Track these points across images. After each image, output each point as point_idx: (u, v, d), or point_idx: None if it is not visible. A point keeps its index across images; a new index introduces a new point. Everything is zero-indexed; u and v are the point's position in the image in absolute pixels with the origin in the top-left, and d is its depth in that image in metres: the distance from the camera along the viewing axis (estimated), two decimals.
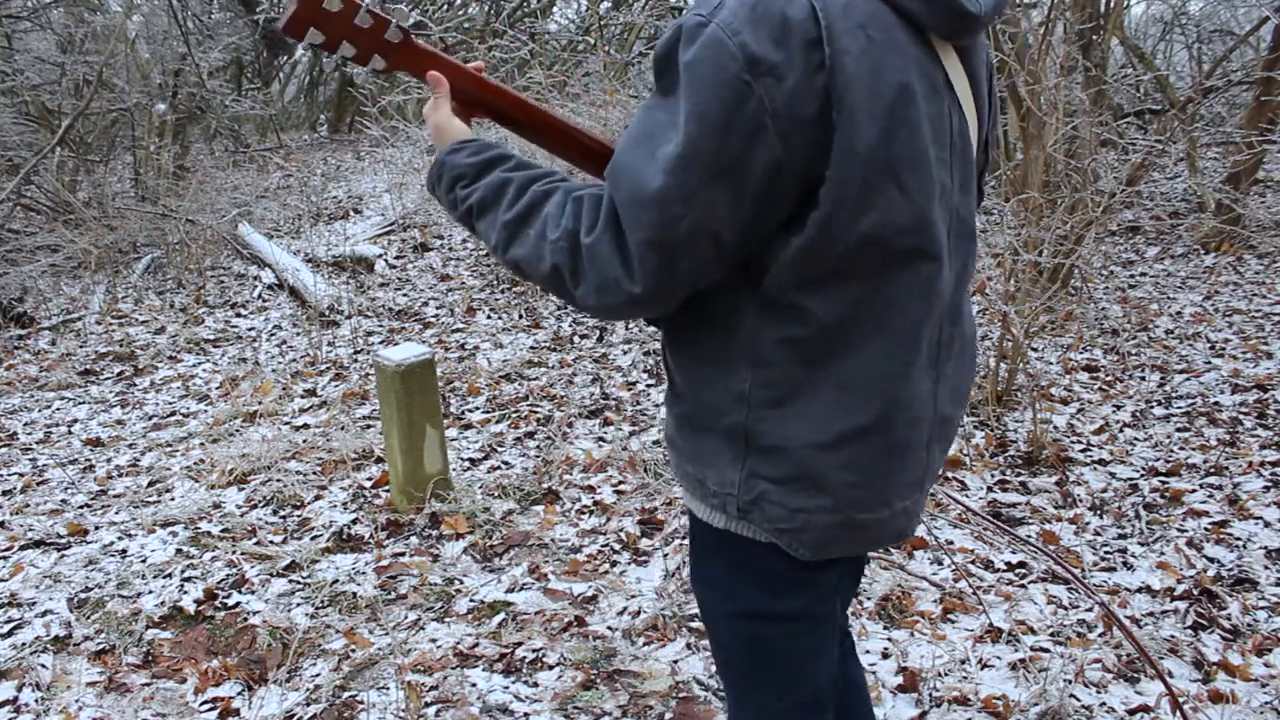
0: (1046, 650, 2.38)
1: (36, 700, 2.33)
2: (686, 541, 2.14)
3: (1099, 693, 2.22)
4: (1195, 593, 2.59)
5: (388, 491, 3.27)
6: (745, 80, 0.93)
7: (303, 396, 4.37)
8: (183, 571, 2.84)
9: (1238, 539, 2.87)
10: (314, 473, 3.51)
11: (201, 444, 3.87)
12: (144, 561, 2.92)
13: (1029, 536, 2.92)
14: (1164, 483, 3.24)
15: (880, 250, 1.02)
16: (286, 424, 4.03)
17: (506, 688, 2.31)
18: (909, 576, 2.71)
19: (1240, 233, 6.09)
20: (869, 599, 2.61)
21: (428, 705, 2.26)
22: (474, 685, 2.32)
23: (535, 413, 4.02)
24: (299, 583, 2.79)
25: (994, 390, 3.79)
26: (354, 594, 2.71)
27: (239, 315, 5.71)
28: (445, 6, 11.43)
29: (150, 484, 3.56)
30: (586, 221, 1.03)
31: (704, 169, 0.95)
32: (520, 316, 5.39)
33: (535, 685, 2.32)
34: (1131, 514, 3.05)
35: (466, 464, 3.59)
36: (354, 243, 6.58)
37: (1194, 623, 2.48)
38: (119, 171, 8.45)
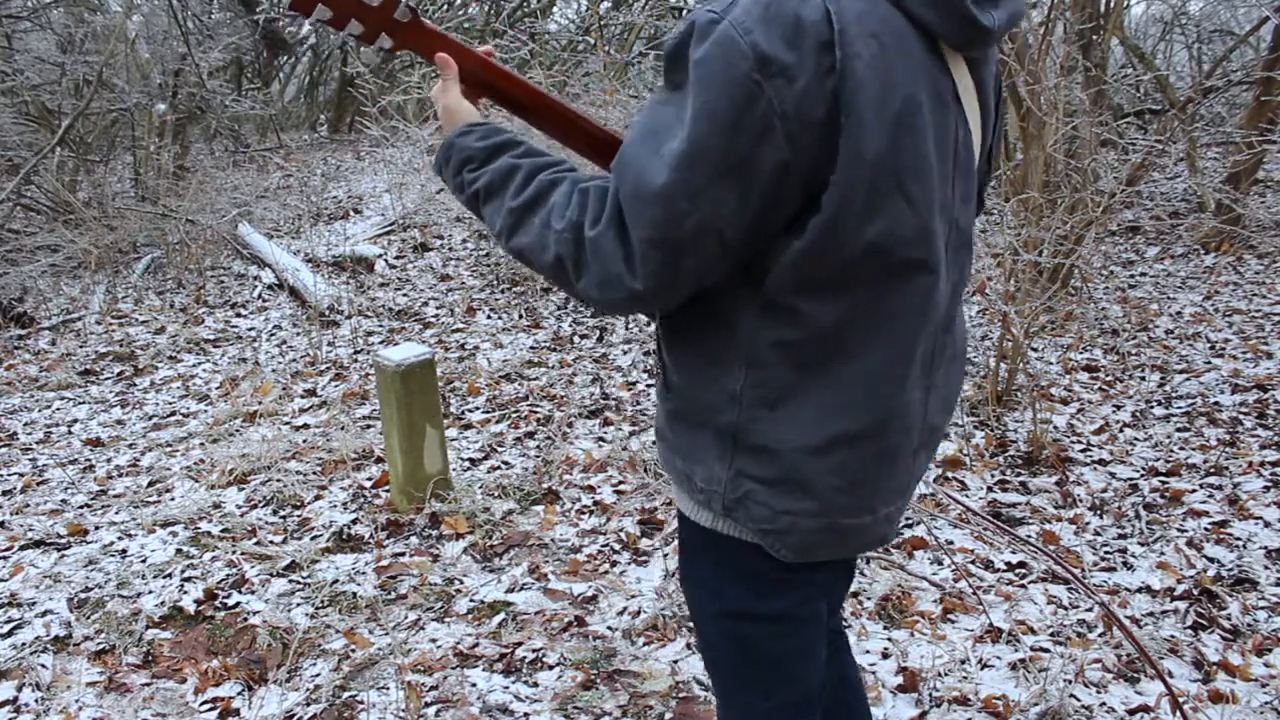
0: (1046, 650, 2.38)
1: (36, 700, 2.33)
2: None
3: (1099, 693, 2.22)
4: (1195, 593, 2.59)
5: (388, 491, 3.27)
6: (755, 80, 0.92)
7: (303, 396, 4.37)
8: (183, 571, 2.84)
9: (1238, 539, 2.87)
10: (314, 473, 3.51)
11: (201, 444, 3.87)
12: (144, 561, 2.92)
13: (1029, 536, 2.92)
14: (1164, 483, 3.24)
15: (883, 260, 1.02)
16: (286, 424, 4.03)
17: (506, 688, 2.31)
18: (909, 576, 2.71)
19: (1240, 233, 6.09)
20: (869, 599, 2.61)
21: (428, 705, 2.26)
22: (474, 685, 2.32)
23: (535, 413, 4.02)
24: (299, 583, 2.79)
25: (994, 390, 3.79)
26: (354, 594, 2.71)
27: (239, 315, 5.71)
28: (445, 6, 11.43)
29: (150, 484, 3.56)
30: (591, 214, 1.03)
31: (711, 167, 0.95)
32: (520, 316, 5.39)
33: (535, 685, 2.32)
34: (1131, 514, 3.05)
35: (466, 464, 3.59)
36: (354, 243, 6.58)
37: (1194, 623, 2.48)
38: (119, 171, 8.45)
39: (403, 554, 2.93)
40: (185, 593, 2.72)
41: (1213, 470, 3.31)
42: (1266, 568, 2.71)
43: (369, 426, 3.93)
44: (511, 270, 5.97)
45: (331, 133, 13.22)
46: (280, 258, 6.13)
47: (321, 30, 12.99)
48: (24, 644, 2.52)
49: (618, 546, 2.95)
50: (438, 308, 5.62)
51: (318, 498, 3.32)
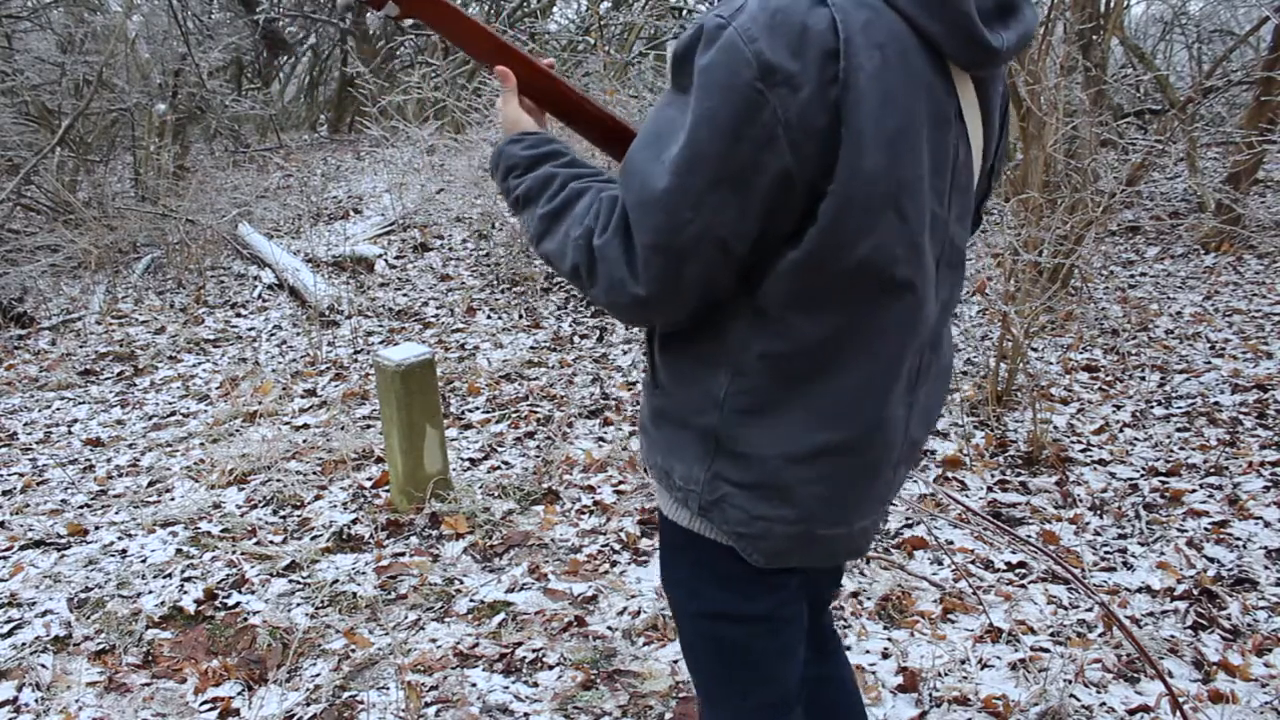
0: (1046, 650, 2.38)
1: (36, 700, 2.33)
2: None
3: (1099, 693, 2.22)
4: (1195, 593, 2.59)
5: (388, 491, 3.27)
6: (758, 88, 0.92)
7: (303, 396, 4.37)
8: (183, 571, 2.84)
9: (1238, 539, 2.87)
10: (314, 473, 3.51)
11: (201, 444, 3.87)
12: (144, 561, 2.92)
13: (1029, 536, 2.92)
14: (1164, 483, 3.24)
15: (875, 275, 1.02)
16: (286, 424, 4.03)
17: (506, 688, 2.31)
18: (909, 576, 2.71)
19: (1240, 233, 6.09)
20: (869, 599, 2.61)
21: (428, 705, 2.26)
22: (474, 685, 2.32)
23: (535, 413, 4.02)
24: (299, 583, 2.79)
25: (994, 390, 3.79)
26: (354, 594, 2.71)
27: (239, 315, 5.71)
28: None
29: (150, 484, 3.56)
30: (602, 221, 1.03)
31: (712, 174, 0.95)
32: (520, 316, 5.39)
33: (535, 685, 2.32)
34: (1131, 514, 3.05)
35: (466, 464, 3.59)
36: (354, 243, 6.58)
37: (1194, 623, 2.48)
38: (119, 171, 8.45)
39: (403, 554, 2.93)
40: (185, 593, 2.72)
41: (1213, 470, 3.31)
42: (1266, 568, 2.71)
43: (369, 426, 3.93)
44: (511, 270, 5.97)
45: (331, 133, 13.22)
46: (280, 258, 6.13)
47: (321, 30, 13.00)
48: (24, 644, 2.52)
49: (618, 546, 2.95)
50: (438, 308, 5.62)
51: (318, 498, 3.32)
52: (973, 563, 2.79)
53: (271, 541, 3.03)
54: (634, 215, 1.00)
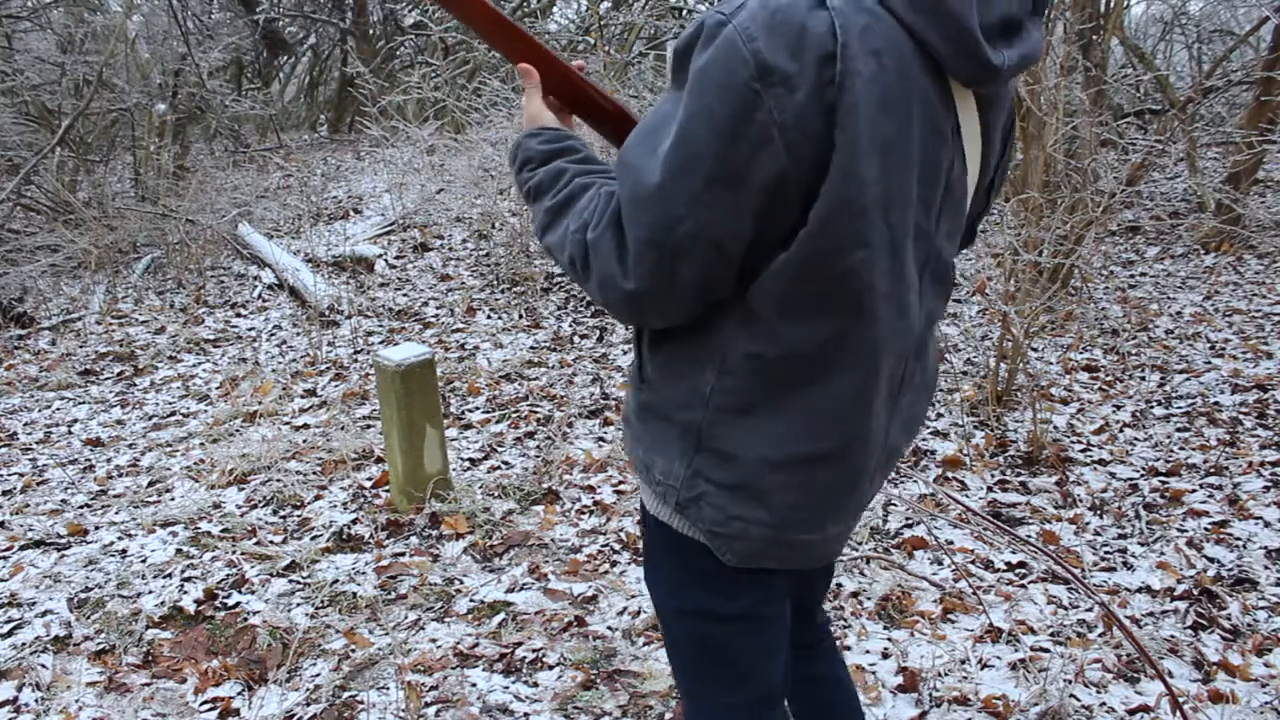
0: (1046, 650, 2.38)
1: (36, 700, 2.33)
2: None
3: (1099, 693, 2.22)
4: (1195, 593, 2.59)
5: (388, 491, 3.27)
6: (754, 88, 0.92)
7: (303, 396, 4.37)
8: (183, 571, 2.84)
9: (1238, 539, 2.87)
10: (314, 473, 3.51)
11: (201, 444, 3.87)
12: (144, 561, 2.92)
13: (1029, 536, 2.92)
14: (1164, 483, 3.24)
15: (861, 284, 1.02)
16: (286, 424, 4.03)
17: (506, 688, 2.31)
18: (909, 576, 2.71)
19: (1240, 233, 6.09)
20: (869, 599, 2.61)
21: (428, 705, 2.26)
22: (474, 685, 2.32)
23: (535, 413, 4.02)
24: (299, 583, 2.79)
25: (994, 390, 3.79)
26: (354, 594, 2.71)
27: (239, 315, 5.71)
28: None
29: (150, 484, 3.56)
30: (597, 216, 1.04)
31: (707, 172, 0.95)
32: (520, 316, 5.39)
33: (535, 685, 2.32)
34: (1131, 514, 3.05)
35: (466, 464, 3.59)
36: (354, 243, 6.58)
37: (1194, 623, 2.48)
38: (119, 171, 8.45)
39: (403, 554, 2.93)
40: (185, 593, 2.72)
41: (1213, 470, 3.31)
42: (1266, 568, 2.71)
43: (369, 426, 3.93)
44: (511, 270, 5.97)
45: (331, 133, 13.22)
46: (280, 258, 6.13)
47: (321, 30, 13.00)
48: (24, 644, 2.52)
49: (618, 546, 2.95)
50: (438, 308, 5.62)
51: (318, 498, 3.32)
52: (973, 563, 2.79)
53: (271, 541, 3.03)
54: (626, 210, 0.99)
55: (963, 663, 2.34)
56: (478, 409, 4.12)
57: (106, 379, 4.81)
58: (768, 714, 1.33)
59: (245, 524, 3.13)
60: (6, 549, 3.06)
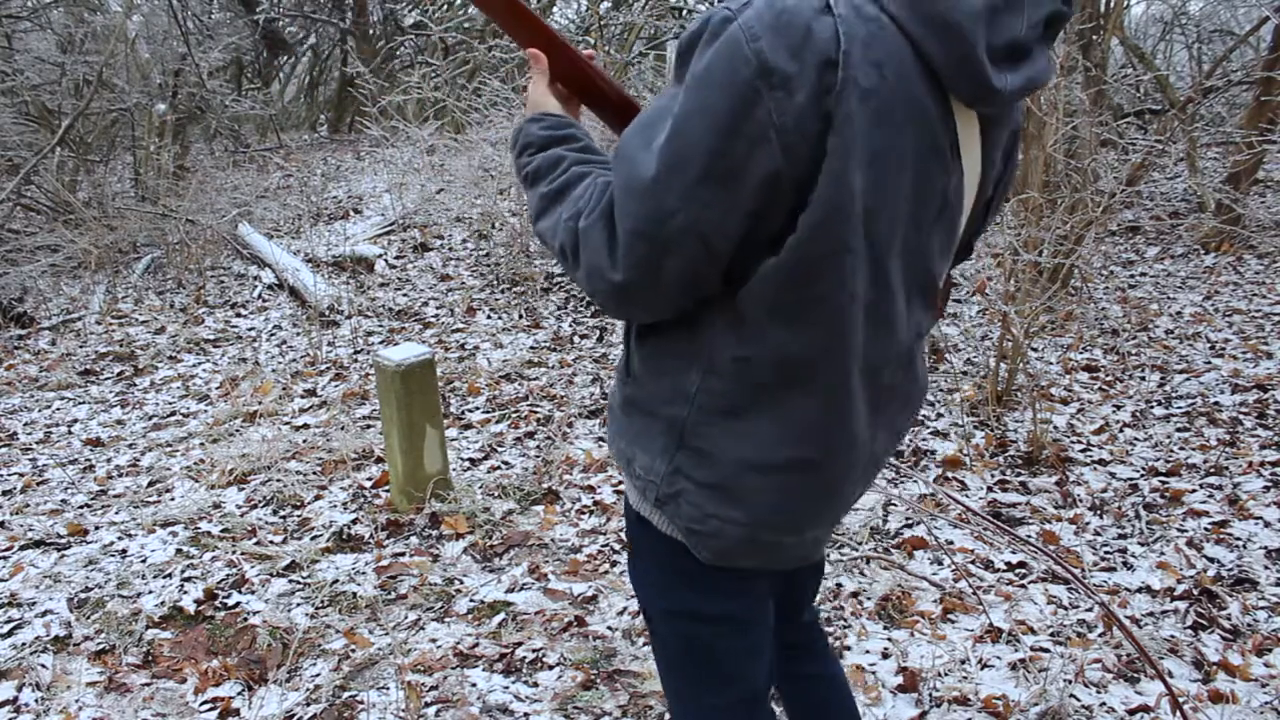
0: (1046, 650, 2.38)
1: (36, 700, 2.33)
2: None
3: (1099, 693, 2.22)
4: (1195, 593, 2.59)
5: (388, 491, 3.27)
6: (755, 87, 0.91)
7: (303, 396, 4.37)
8: (183, 571, 2.84)
9: (1238, 539, 2.87)
10: (314, 473, 3.51)
11: (201, 444, 3.87)
12: (144, 561, 2.92)
13: (1029, 536, 2.92)
14: (1164, 483, 3.24)
15: (846, 293, 1.02)
16: (286, 424, 4.03)
17: (506, 688, 2.31)
18: (909, 576, 2.71)
19: (1240, 233, 6.10)
20: (869, 599, 2.61)
21: (428, 705, 2.26)
22: (474, 685, 2.32)
23: (535, 413, 4.02)
24: (299, 583, 2.79)
25: (994, 390, 3.79)
26: (354, 594, 2.71)
27: (239, 315, 5.71)
28: (445, 6, 11.43)
29: (150, 484, 3.56)
30: (590, 205, 1.04)
31: (702, 168, 0.95)
32: (520, 316, 5.39)
33: (535, 685, 2.32)
34: (1131, 514, 3.05)
35: (466, 464, 3.59)
36: (354, 243, 6.58)
37: (1194, 623, 2.48)
38: (119, 171, 8.45)
39: (403, 554, 2.93)
40: (185, 593, 2.72)
41: (1213, 470, 3.31)
42: (1266, 568, 2.71)
43: (369, 426, 3.93)
44: (511, 270, 5.97)
45: (331, 133, 13.22)
46: (280, 258, 6.13)
47: (321, 30, 13.00)
48: (24, 644, 2.52)
49: (617, 546, 2.95)
50: (438, 308, 5.62)
51: (318, 498, 3.32)
52: (973, 563, 2.79)
53: (271, 541, 3.03)
54: (619, 201, 0.99)
55: (963, 663, 2.34)
56: (478, 409, 4.12)
57: (106, 379, 4.81)
58: (752, 715, 1.33)
59: (245, 524, 3.13)
60: (6, 549, 3.06)
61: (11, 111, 7.63)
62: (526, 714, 2.22)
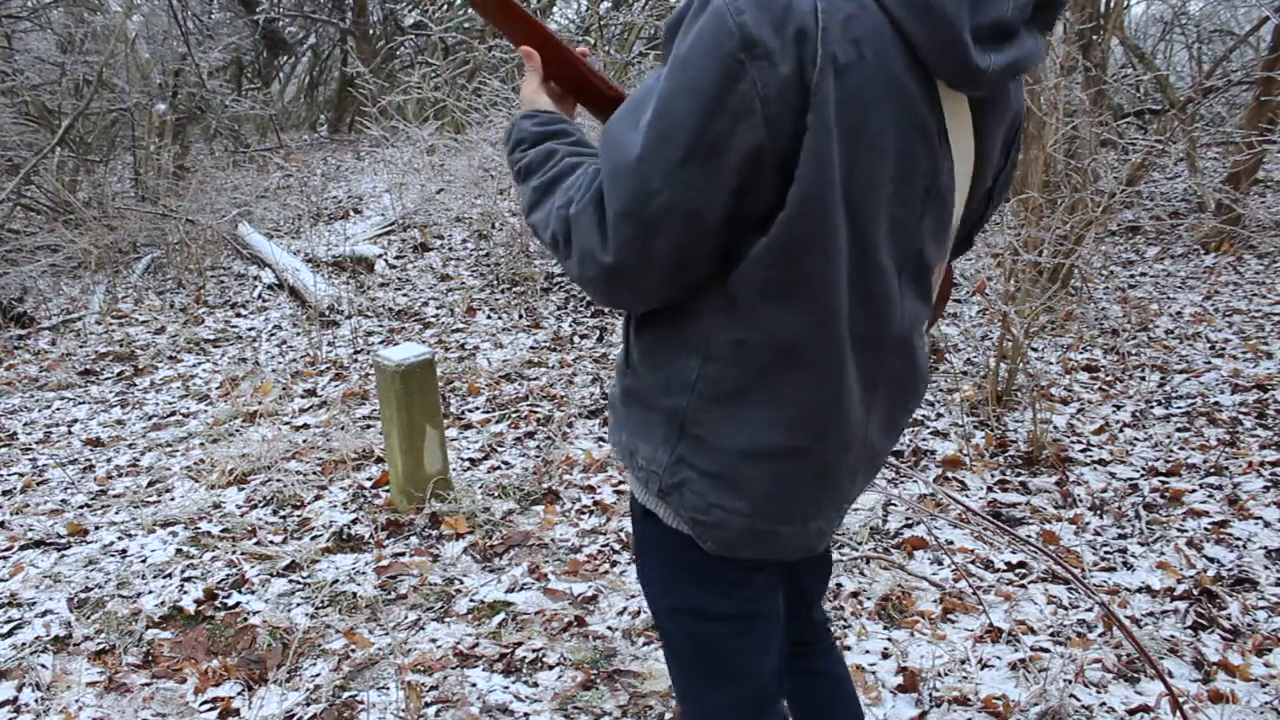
0: (1046, 650, 2.38)
1: (36, 700, 2.33)
2: None
3: (1099, 693, 2.22)
4: (1195, 593, 2.59)
5: (388, 491, 3.27)
6: (739, 60, 0.92)
7: (303, 396, 4.37)
8: (183, 571, 2.84)
9: (1238, 539, 2.87)
10: (314, 473, 3.51)
11: (201, 444, 3.87)
12: (144, 561, 2.92)
13: (1029, 536, 2.92)
14: (1164, 483, 3.24)
15: (833, 272, 1.02)
16: (286, 424, 4.03)
17: (506, 688, 2.31)
18: (909, 576, 2.71)
19: (1240, 233, 6.10)
20: (869, 599, 2.61)
21: (428, 705, 2.26)
22: (474, 685, 2.32)
23: (535, 413, 4.02)
24: (299, 583, 2.79)
25: (994, 390, 3.79)
26: (354, 594, 2.71)
27: (239, 315, 5.71)
28: (445, 6, 11.43)
29: (150, 484, 3.56)
30: (580, 191, 1.04)
31: (686, 145, 0.95)
32: (520, 316, 5.39)
33: (535, 685, 2.32)
34: (1131, 514, 3.05)
35: (466, 464, 3.59)
36: (354, 243, 6.58)
37: (1194, 623, 2.48)
38: (119, 171, 8.45)
39: (403, 554, 2.93)
40: (185, 593, 2.72)
41: (1213, 470, 3.31)
42: (1266, 568, 2.71)
43: (369, 426, 3.93)
44: (511, 270, 5.97)
45: (331, 133, 13.22)
46: (280, 258, 6.13)
47: (321, 30, 13.00)
48: (24, 644, 2.52)
49: (618, 546, 2.95)
50: (438, 308, 5.62)
51: (318, 498, 3.32)
52: (973, 563, 2.79)
53: (271, 541, 3.03)
54: (607, 183, 1.00)
55: (963, 663, 2.34)
56: (478, 409, 4.12)
57: (106, 379, 4.81)
58: (760, 713, 1.33)
59: (245, 524, 3.13)
60: (6, 549, 3.06)
61: (11, 111, 7.63)
62: (526, 714, 2.22)
